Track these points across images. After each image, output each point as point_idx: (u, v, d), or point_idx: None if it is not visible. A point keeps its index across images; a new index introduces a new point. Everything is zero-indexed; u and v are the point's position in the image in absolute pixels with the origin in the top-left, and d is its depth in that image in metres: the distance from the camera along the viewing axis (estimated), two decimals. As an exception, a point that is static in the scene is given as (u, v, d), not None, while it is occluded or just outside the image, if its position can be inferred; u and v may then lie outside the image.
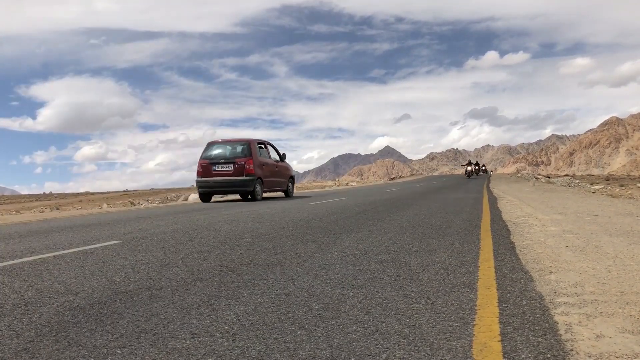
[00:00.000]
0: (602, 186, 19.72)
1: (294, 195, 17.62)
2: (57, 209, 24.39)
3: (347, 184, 50.69)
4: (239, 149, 14.25)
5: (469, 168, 48.77)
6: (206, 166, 14.05)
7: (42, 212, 20.79)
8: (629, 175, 44.26)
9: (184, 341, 2.47)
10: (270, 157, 15.48)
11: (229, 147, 14.50)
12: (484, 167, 66.45)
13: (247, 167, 13.54)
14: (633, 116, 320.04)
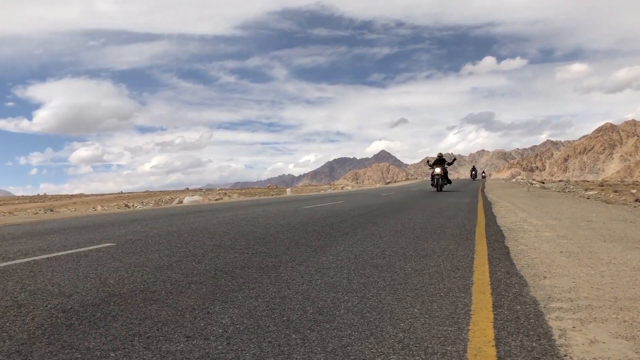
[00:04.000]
0: (596, 192, 19.81)
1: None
2: (51, 210, 24.27)
3: (343, 187, 50.72)
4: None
5: (437, 170, 24.22)
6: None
7: (36, 213, 20.68)
8: (622, 182, 44.54)
9: (178, 344, 2.46)
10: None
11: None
12: (479, 172, 68.22)
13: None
14: (627, 122, 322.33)
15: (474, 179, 59.02)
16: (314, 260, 4.81)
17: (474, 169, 63.76)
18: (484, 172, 74.62)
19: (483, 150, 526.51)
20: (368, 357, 2.28)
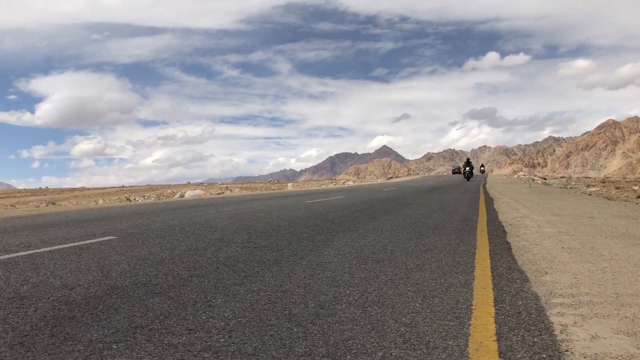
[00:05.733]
0: (598, 188, 19.78)
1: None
2: (53, 203, 24.31)
3: (344, 183, 50.72)
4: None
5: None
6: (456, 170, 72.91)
7: (38, 206, 20.71)
8: (624, 178, 44.47)
9: (180, 337, 2.47)
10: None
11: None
12: (477, 167, 64.62)
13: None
14: (630, 119, 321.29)
15: (468, 177, 39.90)
16: (315, 254, 4.82)
17: (468, 162, 41.44)
18: (483, 166, 67.97)
19: (485, 146, 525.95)
20: (370, 351, 2.28)
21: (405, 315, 2.81)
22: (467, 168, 40.39)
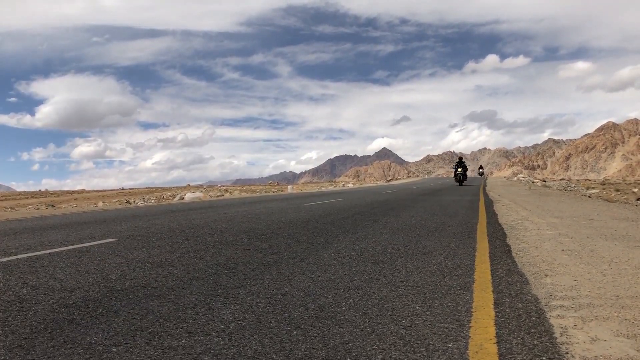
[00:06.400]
0: (598, 191, 19.79)
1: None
2: (53, 206, 24.30)
3: (344, 185, 50.73)
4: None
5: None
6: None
7: (38, 209, 20.69)
8: (624, 180, 44.50)
9: (180, 340, 2.47)
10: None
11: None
12: (475, 168, 63.00)
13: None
14: (629, 121, 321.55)
15: (460, 181, 33.03)
16: (315, 256, 4.82)
17: (460, 162, 34.07)
18: (482, 168, 64.07)
19: (485, 149, 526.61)
20: (369, 353, 2.28)
21: (405, 318, 2.81)
22: (459, 169, 33.39)
